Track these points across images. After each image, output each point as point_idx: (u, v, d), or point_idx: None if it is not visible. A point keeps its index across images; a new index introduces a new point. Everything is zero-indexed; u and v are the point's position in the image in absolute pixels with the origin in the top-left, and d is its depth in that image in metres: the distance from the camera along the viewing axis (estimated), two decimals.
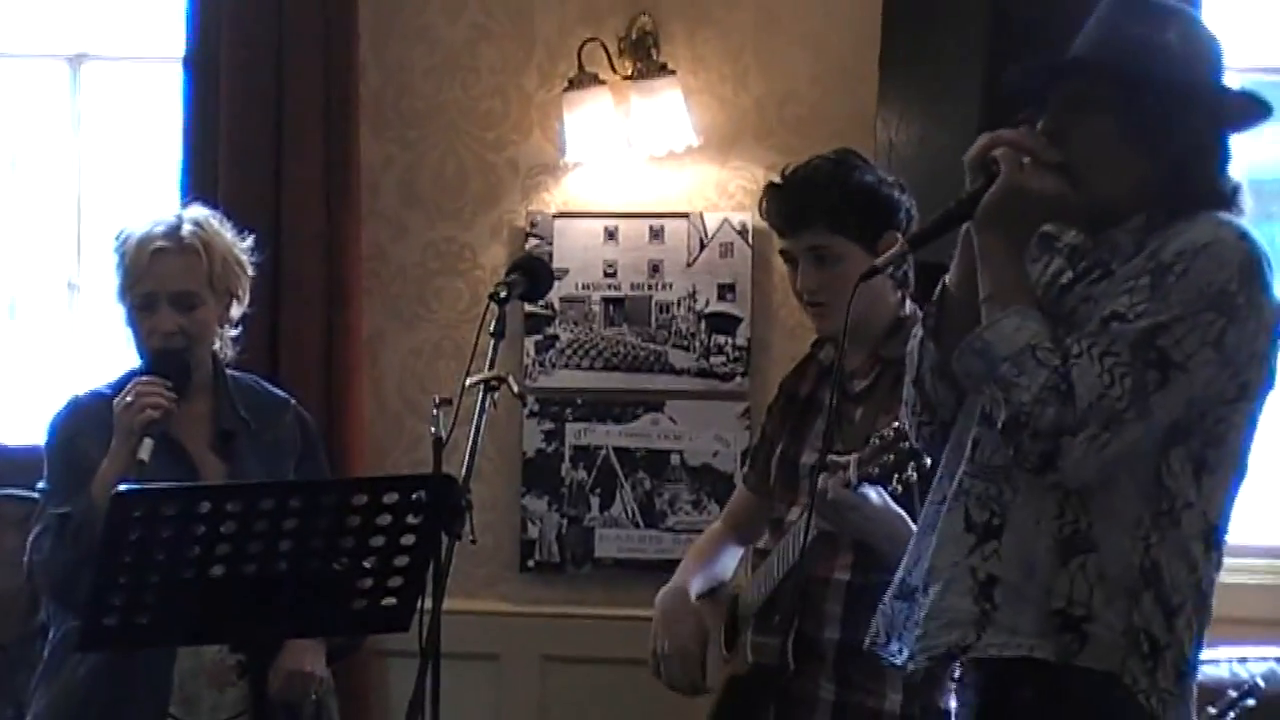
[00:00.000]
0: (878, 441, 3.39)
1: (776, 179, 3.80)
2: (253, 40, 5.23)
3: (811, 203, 3.68)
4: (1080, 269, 2.85)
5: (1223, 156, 2.85)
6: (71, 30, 5.71)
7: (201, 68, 5.28)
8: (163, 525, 3.06)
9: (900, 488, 3.40)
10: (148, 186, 5.64)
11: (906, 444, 3.29)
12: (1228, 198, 2.83)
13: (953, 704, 3.56)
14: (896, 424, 3.29)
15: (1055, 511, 2.75)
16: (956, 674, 3.01)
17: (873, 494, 3.44)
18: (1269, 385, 2.79)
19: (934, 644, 2.85)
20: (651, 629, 3.99)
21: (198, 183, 5.16)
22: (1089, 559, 2.73)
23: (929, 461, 3.14)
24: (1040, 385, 2.66)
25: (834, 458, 3.45)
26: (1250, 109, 2.87)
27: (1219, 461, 2.76)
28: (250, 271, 4.01)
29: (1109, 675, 2.72)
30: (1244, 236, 2.72)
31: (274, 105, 5.24)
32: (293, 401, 4.13)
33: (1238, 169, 2.88)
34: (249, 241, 4.04)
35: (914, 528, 3.35)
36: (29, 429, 4.86)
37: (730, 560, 4.07)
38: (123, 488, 3.20)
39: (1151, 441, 2.70)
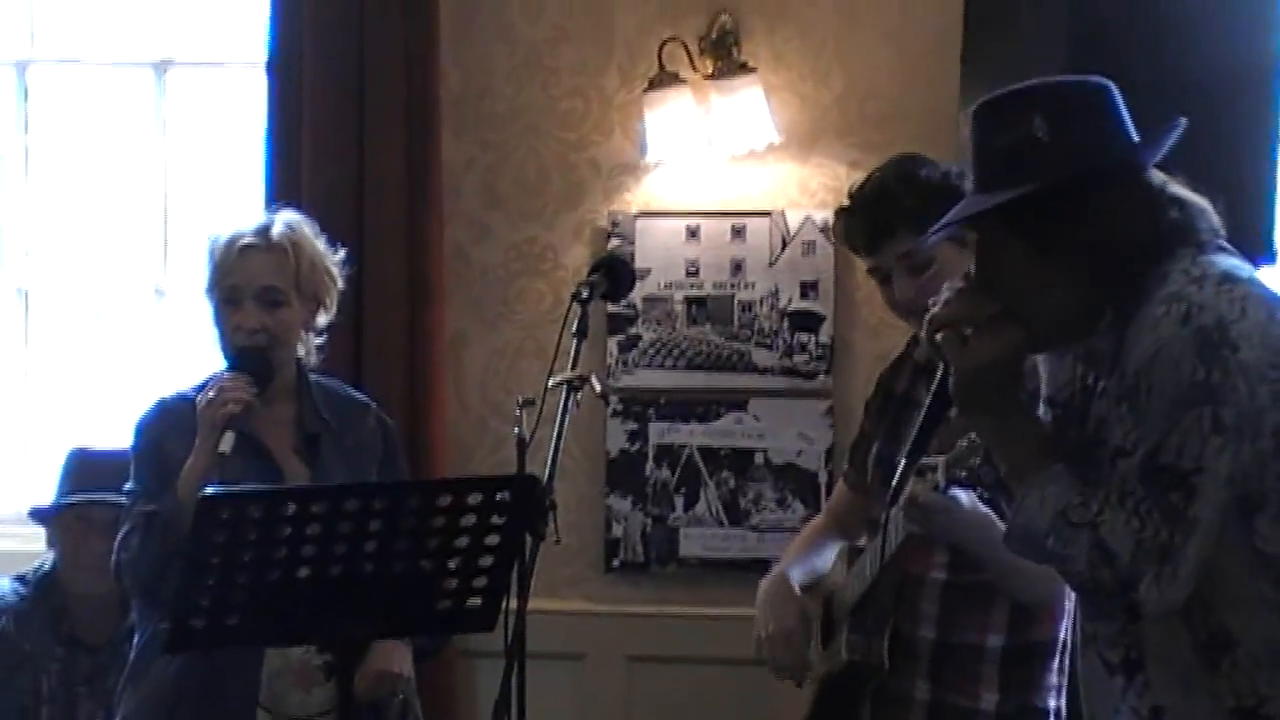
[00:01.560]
0: (965, 444, 3.35)
1: (845, 202, 3.75)
2: (334, 44, 5.26)
3: (887, 212, 3.61)
4: (1091, 379, 2.76)
5: (1150, 203, 2.71)
6: (156, 37, 5.74)
7: (284, 72, 5.31)
8: (249, 527, 3.08)
9: (989, 492, 3.37)
10: (233, 191, 5.68)
11: (988, 454, 3.25)
12: (1175, 239, 2.69)
13: (1051, 703, 3.57)
14: None
15: (1183, 626, 2.66)
16: None
17: (963, 496, 3.39)
18: None
19: None
20: (756, 614, 3.96)
21: (282, 186, 5.19)
22: (1237, 653, 2.64)
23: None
24: (1086, 552, 2.59)
25: (925, 460, 3.42)
26: (1156, 141, 2.73)
27: None
28: (339, 283, 4.04)
29: None
30: (1187, 315, 2.56)
31: (356, 108, 5.26)
32: (374, 405, 4.16)
33: (1185, 194, 2.75)
34: (340, 254, 4.07)
35: (1003, 529, 3.35)
36: (116, 434, 4.90)
37: (831, 554, 4.02)
38: (209, 490, 3.23)
39: (1228, 532, 2.60)
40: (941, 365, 2.78)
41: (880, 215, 3.63)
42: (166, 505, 3.71)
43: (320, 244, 4.02)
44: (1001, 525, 3.22)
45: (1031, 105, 2.66)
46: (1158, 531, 2.55)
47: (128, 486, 3.95)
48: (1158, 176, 2.74)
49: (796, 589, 3.90)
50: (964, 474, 3.33)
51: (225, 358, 3.93)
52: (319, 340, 4.06)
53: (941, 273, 3.50)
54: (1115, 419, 2.64)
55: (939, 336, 2.73)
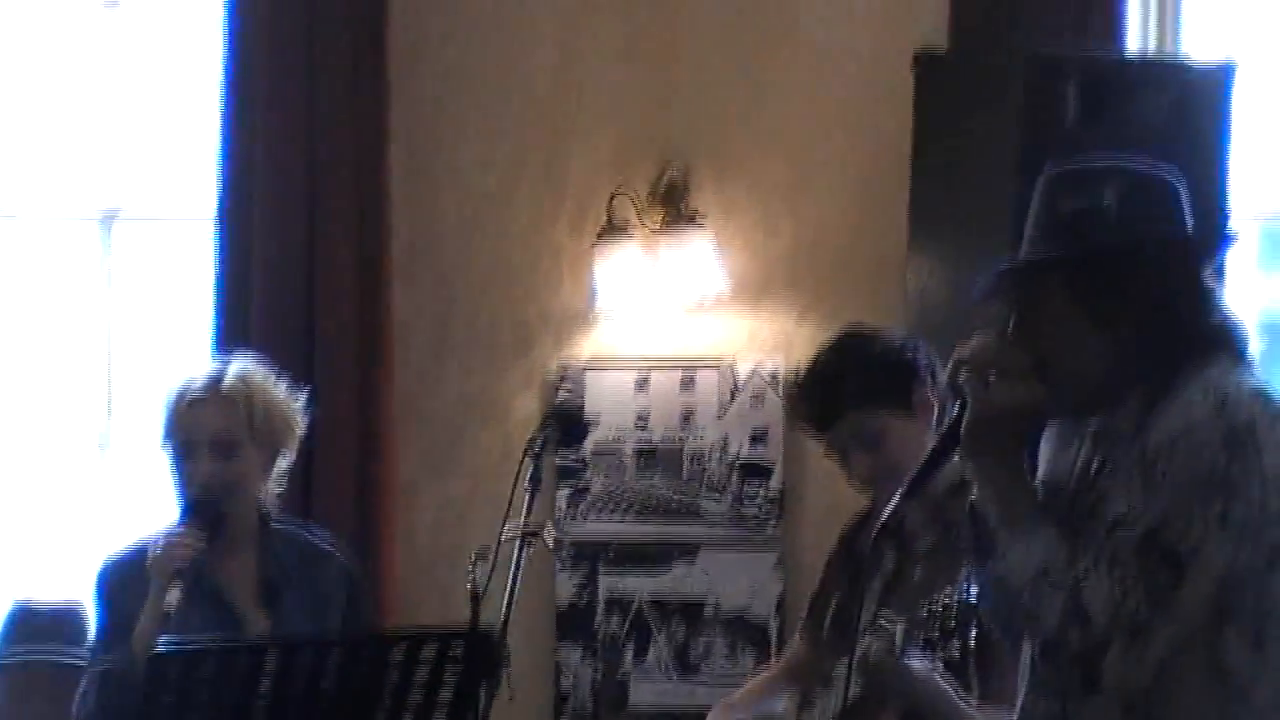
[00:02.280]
0: (926, 611, 3.36)
1: (793, 386, 3.80)
2: (283, 193, 5.27)
3: (833, 393, 3.66)
4: (1100, 458, 2.78)
5: (1200, 298, 2.77)
6: (102, 189, 5.74)
7: (233, 223, 5.31)
8: (199, 687, 3.03)
9: (947, 658, 3.37)
10: (180, 343, 5.65)
11: (955, 621, 3.26)
12: (1219, 342, 2.75)
13: None
14: (947, 595, 3.28)
15: (1120, 716, 2.66)
16: None
17: (917, 663, 3.40)
18: None
19: None
20: None
21: (229, 338, 5.16)
22: None
23: (973, 641, 3.15)
24: (1059, 612, 2.61)
25: (883, 621, 3.42)
26: (1218, 232, 2.82)
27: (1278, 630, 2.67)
28: (299, 427, 4.02)
29: None
30: (1223, 405, 2.62)
31: (305, 258, 5.26)
32: (338, 554, 4.12)
33: (1230, 303, 2.81)
34: (301, 398, 4.05)
35: (958, 702, 3.34)
36: (59, 589, 4.84)
37: (780, 703, 4.01)
38: (158, 649, 3.18)
39: (1196, 631, 2.62)
40: (957, 405, 2.79)
41: (824, 398, 3.69)
42: (119, 662, 3.65)
43: (277, 390, 3.99)
44: (956, 700, 3.23)
45: (1103, 179, 2.75)
46: (1139, 606, 2.57)
47: (89, 641, 3.93)
48: (1211, 279, 2.80)
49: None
50: (920, 640, 3.34)
51: (180, 509, 3.90)
52: (280, 487, 4.02)
53: (892, 444, 3.55)
54: (1122, 493, 2.65)
55: (962, 375, 2.75)
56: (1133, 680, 2.62)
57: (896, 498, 2.94)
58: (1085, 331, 2.74)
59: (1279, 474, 2.61)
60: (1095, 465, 2.78)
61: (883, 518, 3.05)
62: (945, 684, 3.39)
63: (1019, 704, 2.85)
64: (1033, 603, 2.65)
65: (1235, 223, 4.93)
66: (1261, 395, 2.68)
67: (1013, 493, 2.74)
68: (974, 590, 3.01)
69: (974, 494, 2.82)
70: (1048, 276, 2.75)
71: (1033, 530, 2.69)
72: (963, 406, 2.77)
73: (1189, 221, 2.81)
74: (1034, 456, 2.91)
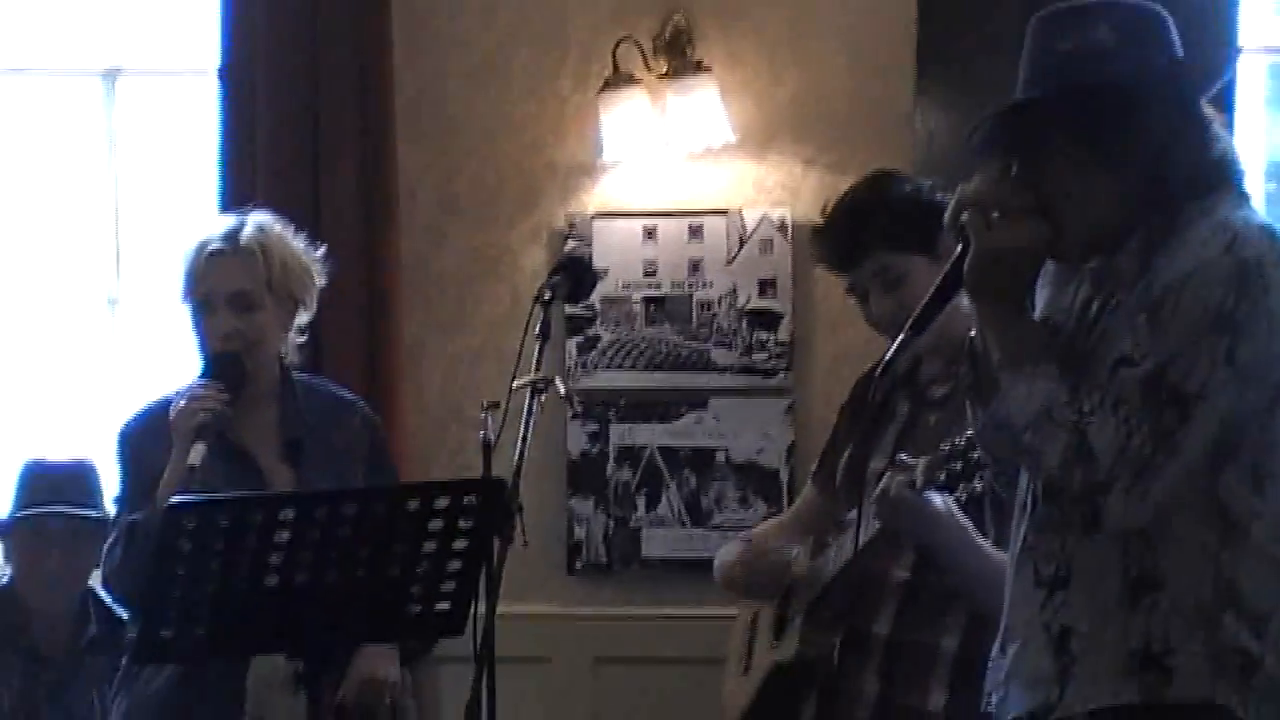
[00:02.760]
0: (947, 448, 3.36)
1: (819, 222, 3.77)
2: (287, 52, 5.23)
3: (862, 230, 3.64)
4: (1100, 298, 2.79)
5: (1201, 132, 2.76)
6: (105, 45, 5.70)
7: (236, 80, 5.28)
8: (215, 536, 3.06)
9: (965, 496, 3.38)
10: (185, 200, 5.65)
11: (977, 454, 3.25)
12: (1219, 177, 2.75)
13: None
14: (970, 433, 3.28)
15: (1119, 555, 2.69)
16: None
17: (936, 499, 3.40)
18: None
19: (1018, 706, 2.81)
20: (719, 567, 4.00)
21: (234, 195, 5.14)
22: (1159, 595, 2.67)
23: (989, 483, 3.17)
24: (1062, 449, 2.62)
25: (903, 458, 3.43)
26: (1215, 66, 2.80)
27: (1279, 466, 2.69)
28: (318, 279, 4.03)
29: (1204, 704, 2.66)
30: (1233, 244, 2.62)
31: (309, 116, 5.24)
32: (360, 404, 4.15)
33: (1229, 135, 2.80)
34: (319, 251, 4.05)
35: (976, 539, 3.35)
36: (71, 446, 4.87)
37: (796, 546, 4.03)
38: (173, 500, 3.21)
39: (1196, 471, 2.64)
40: (959, 246, 2.79)
41: (853, 234, 3.67)
42: (145, 516, 3.68)
43: (295, 243, 4.01)
44: (975, 537, 3.25)
45: (1098, 15, 2.73)
46: (1143, 444, 2.59)
47: (115, 495, 3.96)
48: (1208, 109, 2.78)
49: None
50: (942, 478, 3.35)
51: (202, 363, 3.91)
52: (301, 339, 4.05)
53: (916, 287, 3.52)
54: (1127, 330, 2.65)
55: (964, 215, 2.74)
56: (1133, 519, 2.63)
57: (901, 335, 2.94)
58: (1086, 169, 2.72)
59: None
60: (1096, 304, 2.78)
61: (887, 356, 3.06)
62: (963, 520, 3.41)
63: (1018, 543, 2.87)
64: (1035, 441, 2.66)
65: (1244, 58, 4.92)
66: (1269, 233, 2.68)
67: (1016, 332, 2.74)
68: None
69: (974, 333, 2.82)
70: (1046, 115, 2.73)
71: (1035, 370, 2.69)
72: (965, 246, 2.76)
73: (1180, 52, 2.79)
74: (1032, 297, 2.91)
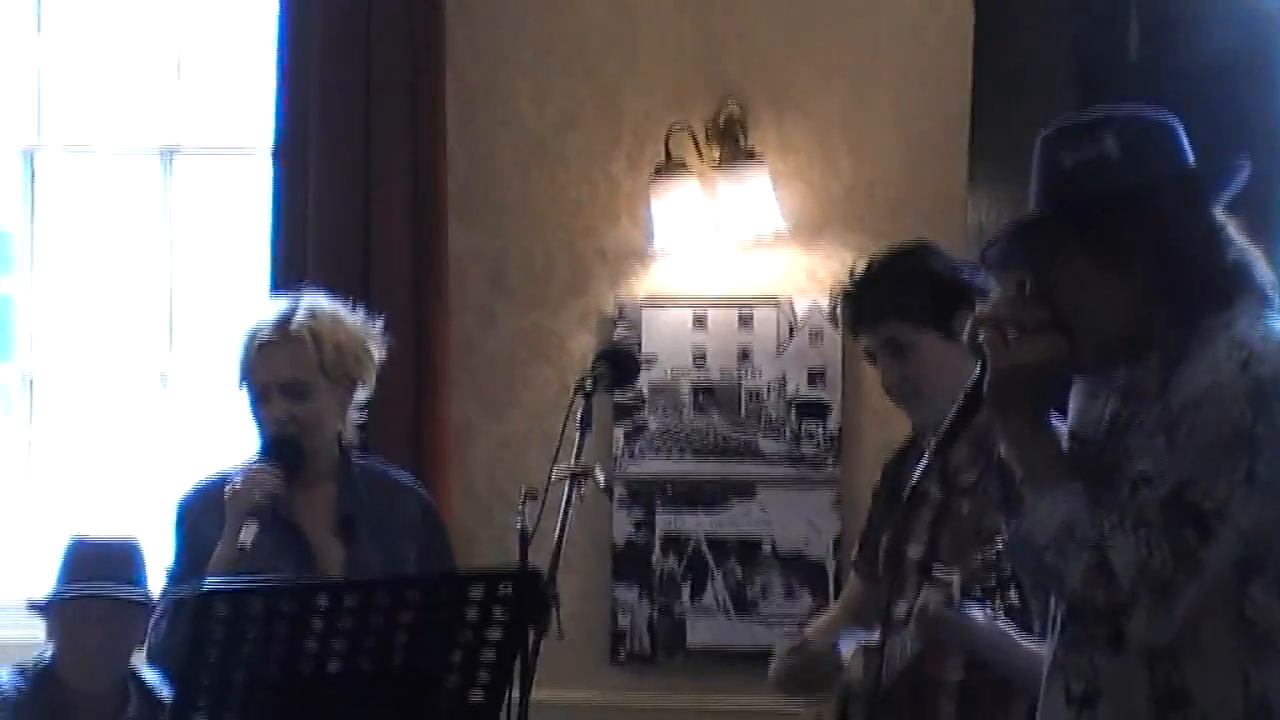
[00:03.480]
0: (980, 561, 3.34)
1: (847, 285, 3.80)
2: (340, 132, 5.26)
3: (874, 296, 3.69)
4: (1126, 413, 2.76)
5: (1213, 239, 2.74)
6: (162, 124, 5.74)
7: (289, 159, 5.31)
8: (248, 624, 3.04)
9: (1003, 609, 3.35)
10: (239, 277, 5.67)
11: (1008, 568, 3.25)
12: (1237, 284, 2.72)
13: None
14: (1000, 543, 3.26)
15: (1146, 672, 2.66)
16: None
17: (976, 612, 3.39)
18: None
19: None
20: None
21: (286, 273, 5.17)
22: (1188, 712, 2.63)
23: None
24: (1083, 569, 2.60)
25: (938, 573, 3.42)
26: (1223, 173, 2.76)
27: None
28: (378, 354, 4.04)
29: None
30: (1249, 362, 2.59)
31: (362, 196, 5.26)
32: (418, 488, 4.15)
33: (1242, 240, 2.77)
34: (377, 325, 4.06)
35: (1020, 640, 3.32)
36: (123, 521, 4.86)
37: (847, 644, 4.00)
38: (206, 586, 3.20)
39: (1222, 586, 2.60)
40: (979, 365, 2.79)
41: (865, 299, 3.72)
42: (190, 593, 3.68)
43: (350, 320, 4.01)
44: (1018, 640, 3.21)
45: (1103, 127, 2.73)
46: (1164, 564, 2.56)
47: (168, 566, 3.97)
48: (1219, 214, 2.77)
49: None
50: (978, 591, 3.33)
51: (259, 445, 3.93)
52: (361, 417, 4.06)
53: (925, 360, 3.56)
54: (1147, 449, 2.64)
55: (982, 334, 2.74)
56: (1158, 637, 2.60)
57: (927, 457, 2.95)
58: (1097, 281, 2.71)
59: None
60: (1122, 420, 2.75)
61: (913, 480, 3.06)
62: (1007, 629, 3.38)
63: (1049, 659, 2.83)
64: (1057, 560, 2.63)
65: None
66: None
67: (1037, 449, 2.73)
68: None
69: (1001, 449, 2.81)
70: (1055, 230, 2.73)
71: (1056, 487, 2.67)
72: (984, 365, 2.75)
73: (1190, 156, 2.78)
74: (1065, 410, 2.89)
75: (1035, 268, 2.76)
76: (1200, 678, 2.64)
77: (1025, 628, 3.37)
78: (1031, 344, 2.71)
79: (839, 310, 3.83)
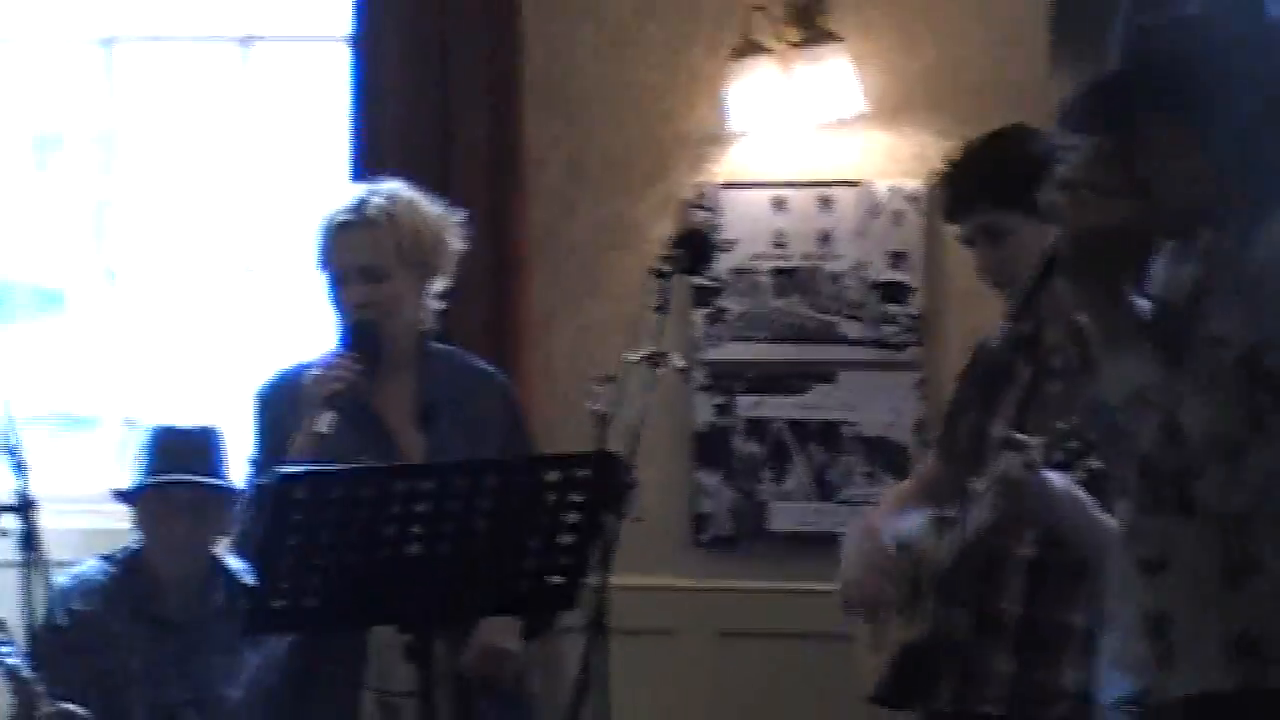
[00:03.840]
0: (1063, 427, 3.32)
1: (942, 171, 3.78)
2: (417, 20, 5.24)
3: (967, 183, 3.68)
4: (1206, 278, 2.73)
5: None
6: (240, 12, 5.74)
7: (367, 48, 5.29)
8: (327, 508, 3.07)
9: (1086, 475, 3.33)
10: (319, 167, 5.67)
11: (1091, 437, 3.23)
12: None
13: None
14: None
15: (1217, 539, 2.63)
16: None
17: (1055, 479, 3.37)
18: None
19: (1118, 690, 2.76)
20: (842, 558, 3.94)
21: (365, 161, 5.17)
22: (1256, 580, 2.61)
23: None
24: (1155, 430, 2.58)
25: (1020, 437, 3.40)
26: None
27: None
28: (455, 244, 4.04)
29: None
30: None
31: (439, 84, 5.24)
32: (499, 375, 4.16)
33: None
34: (457, 215, 4.06)
35: (1098, 514, 3.30)
36: (207, 412, 4.90)
37: (919, 520, 3.99)
38: (284, 470, 3.22)
39: None
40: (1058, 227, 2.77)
41: (959, 185, 3.71)
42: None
43: (427, 208, 4.01)
44: (1096, 512, 3.19)
45: None
46: (1236, 427, 2.54)
47: (249, 456, 4.00)
48: None
49: (885, 540, 3.87)
50: (1061, 457, 3.31)
51: (340, 334, 3.94)
52: (439, 305, 4.06)
53: (1020, 245, 3.54)
54: (1223, 310, 2.62)
55: (1059, 196, 2.73)
56: (1229, 504, 2.58)
57: (1012, 312, 2.92)
58: (1177, 144, 2.67)
59: None
60: (1202, 285, 2.72)
61: (1003, 331, 3.04)
62: (1083, 496, 3.36)
63: (1126, 522, 2.82)
64: (1129, 422, 2.62)
65: None
66: None
67: (1112, 313, 2.71)
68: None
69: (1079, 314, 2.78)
70: (1134, 91, 2.69)
71: (1130, 350, 2.65)
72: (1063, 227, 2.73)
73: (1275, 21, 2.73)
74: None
75: (1114, 130, 2.72)
76: (1271, 545, 2.61)
77: (1102, 497, 3.36)
78: (1107, 206, 2.68)
79: (938, 198, 3.81)
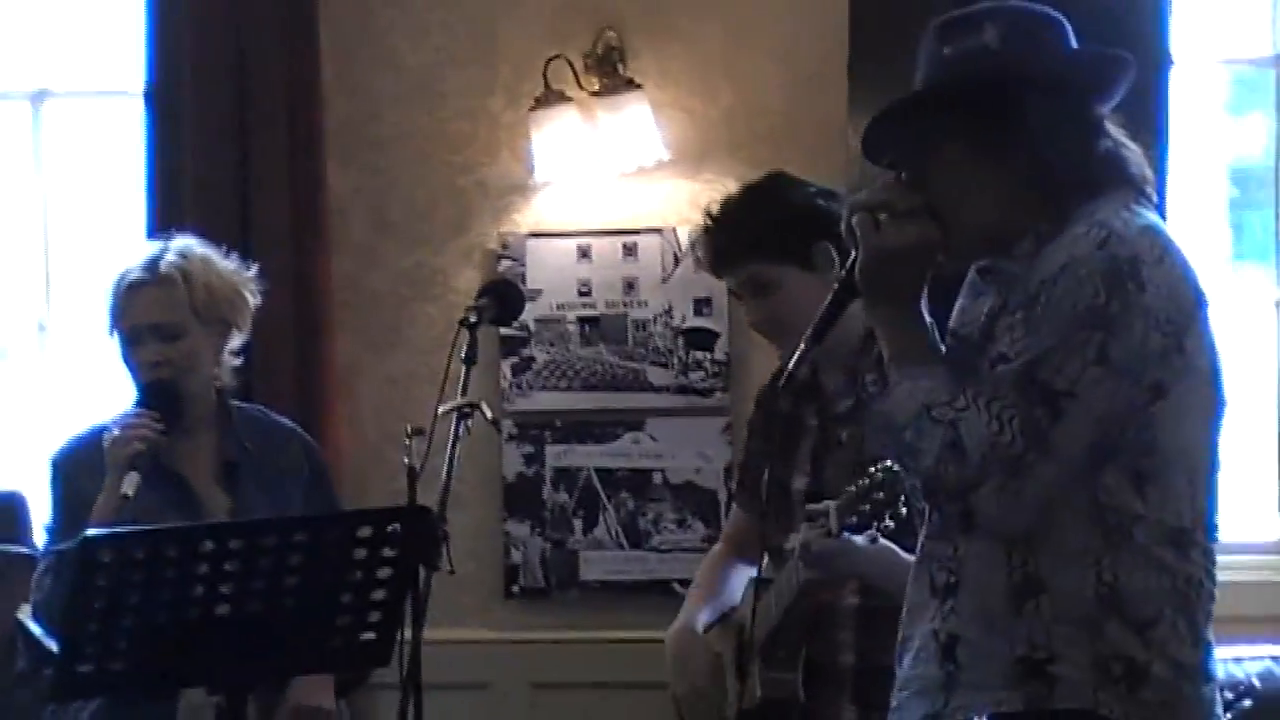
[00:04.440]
0: (854, 490, 3.36)
1: (703, 227, 3.80)
2: (214, 73, 5.17)
3: (731, 237, 3.69)
4: (999, 306, 2.78)
5: (1086, 130, 2.77)
6: (32, 68, 5.63)
7: (163, 102, 5.22)
8: (132, 569, 2.99)
9: (880, 535, 3.36)
10: (115, 223, 5.58)
11: (882, 492, 3.28)
12: (1108, 176, 2.75)
13: None
14: (873, 470, 3.27)
15: (1003, 559, 2.68)
16: None
17: (857, 537, 3.39)
18: (1210, 369, 2.70)
19: (911, 715, 2.79)
20: (668, 668, 3.92)
21: (163, 217, 5.09)
22: (1041, 600, 2.65)
23: (904, 510, 3.17)
24: (939, 447, 2.61)
25: (815, 507, 3.42)
26: (1104, 67, 2.78)
27: (1160, 467, 2.66)
28: (251, 299, 3.99)
29: (1084, 713, 2.64)
30: (1105, 241, 2.61)
31: (239, 137, 5.18)
32: (298, 430, 4.12)
33: (1121, 136, 2.80)
34: (251, 270, 4.01)
35: (906, 558, 3.33)
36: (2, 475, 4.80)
37: (738, 583, 3.99)
38: (88, 532, 3.14)
39: (1074, 471, 2.62)
40: (852, 252, 2.79)
41: (723, 240, 3.73)
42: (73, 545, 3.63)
43: (222, 264, 3.96)
44: (904, 556, 3.22)
45: (985, 18, 2.76)
46: (1014, 441, 2.58)
47: (46, 524, 3.92)
48: (1098, 109, 2.79)
49: (703, 637, 3.87)
50: (854, 519, 3.33)
51: (135, 393, 3.87)
52: (236, 361, 4.02)
53: (788, 297, 3.56)
54: (1008, 328, 2.66)
55: (855, 219, 2.74)
56: (1010, 521, 2.62)
57: (801, 348, 2.93)
58: (969, 168, 2.73)
59: (1160, 311, 2.61)
60: (995, 312, 2.77)
61: (787, 369, 3.05)
62: (888, 546, 3.38)
63: (918, 548, 2.86)
64: (915, 439, 2.65)
65: (1209, 68, 4.93)
66: (1149, 231, 2.67)
67: (905, 334, 2.74)
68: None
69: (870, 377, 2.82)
70: (930, 115, 2.75)
71: (920, 369, 2.69)
72: (857, 253, 2.76)
73: (1074, 50, 2.82)
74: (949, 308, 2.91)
75: (909, 154, 2.77)
76: (1054, 565, 2.66)
77: (909, 549, 3.39)
78: (901, 228, 2.71)
79: (700, 254, 3.84)
